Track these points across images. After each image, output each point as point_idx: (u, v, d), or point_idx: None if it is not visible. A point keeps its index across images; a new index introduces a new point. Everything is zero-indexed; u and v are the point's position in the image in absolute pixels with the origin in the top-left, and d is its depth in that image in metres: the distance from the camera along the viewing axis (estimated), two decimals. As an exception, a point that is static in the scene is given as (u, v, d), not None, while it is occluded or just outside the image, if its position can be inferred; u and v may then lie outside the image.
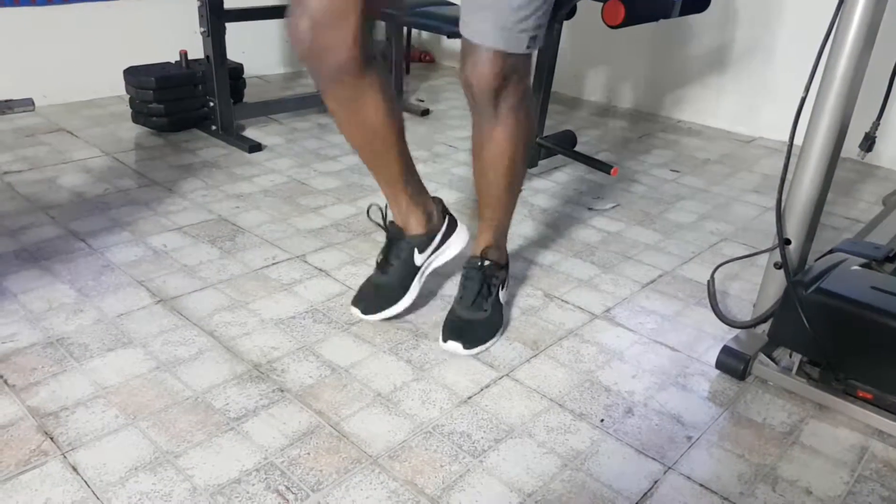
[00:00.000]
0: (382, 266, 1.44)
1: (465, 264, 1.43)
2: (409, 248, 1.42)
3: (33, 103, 2.69)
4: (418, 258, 1.44)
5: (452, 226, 1.49)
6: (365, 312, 1.40)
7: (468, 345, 1.35)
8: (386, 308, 1.41)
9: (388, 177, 1.39)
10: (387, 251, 1.44)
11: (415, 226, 1.42)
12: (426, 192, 1.44)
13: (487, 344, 1.37)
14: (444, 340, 1.36)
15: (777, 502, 1.06)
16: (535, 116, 1.34)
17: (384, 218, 1.44)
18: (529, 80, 1.26)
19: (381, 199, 1.96)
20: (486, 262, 1.40)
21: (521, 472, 1.09)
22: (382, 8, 1.26)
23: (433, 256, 1.47)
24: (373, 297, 1.42)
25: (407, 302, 1.43)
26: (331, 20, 1.14)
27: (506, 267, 1.47)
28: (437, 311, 1.48)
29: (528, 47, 1.18)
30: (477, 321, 1.38)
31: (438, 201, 1.48)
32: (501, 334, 1.42)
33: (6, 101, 2.63)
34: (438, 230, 1.46)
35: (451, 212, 1.51)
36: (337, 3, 1.13)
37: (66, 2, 2.69)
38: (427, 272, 1.47)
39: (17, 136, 2.41)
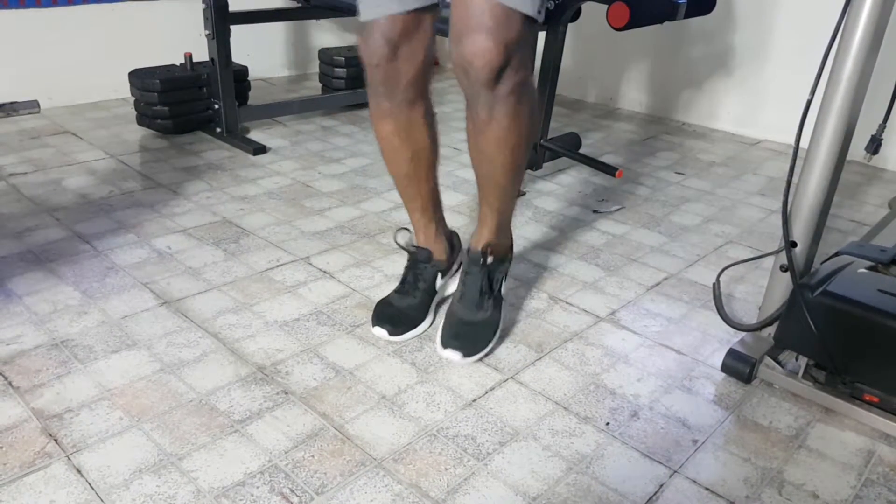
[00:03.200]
0: (408, 289, 1.45)
1: (467, 259, 1.40)
2: (433, 272, 1.46)
3: (38, 105, 2.70)
4: (439, 283, 1.48)
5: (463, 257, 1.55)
6: (392, 334, 1.40)
7: (467, 353, 1.33)
8: (411, 329, 1.42)
9: (423, 204, 1.42)
10: (413, 275, 1.45)
11: (440, 253, 1.47)
12: (446, 223, 1.51)
13: (487, 349, 1.36)
14: (444, 346, 1.35)
15: (783, 506, 1.06)
16: (537, 107, 1.29)
17: (410, 242, 1.47)
18: (531, 69, 1.17)
19: (381, 206, 1.96)
20: (489, 260, 1.37)
21: (526, 475, 1.09)
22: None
23: (447, 283, 1.52)
24: (398, 318, 1.42)
25: (428, 323, 1.45)
26: (408, 39, 1.18)
27: (508, 257, 1.45)
28: (442, 315, 1.48)
29: (538, 11, 1.09)
30: (476, 323, 1.37)
31: (456, 234, 1.55)
32: (500, 333, 1.41)
33: (11, 103, 2.64)
34: (457, 259, 1.52)
35: (454, 218, 1.53)
36: (411, 19, 1.17)
37: (70, 4, 2.70)
38: (439, 297, 1.51)
39: (22, 138, 2.41)
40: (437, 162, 1.40)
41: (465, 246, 1.50)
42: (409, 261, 1.46)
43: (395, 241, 1.48)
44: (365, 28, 1.21)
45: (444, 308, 1.49)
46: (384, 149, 1.36)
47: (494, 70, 1.09)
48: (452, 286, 1.52)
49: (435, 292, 1.48)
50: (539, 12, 1.10)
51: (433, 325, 1.45)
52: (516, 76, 1.13)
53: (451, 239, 1.53)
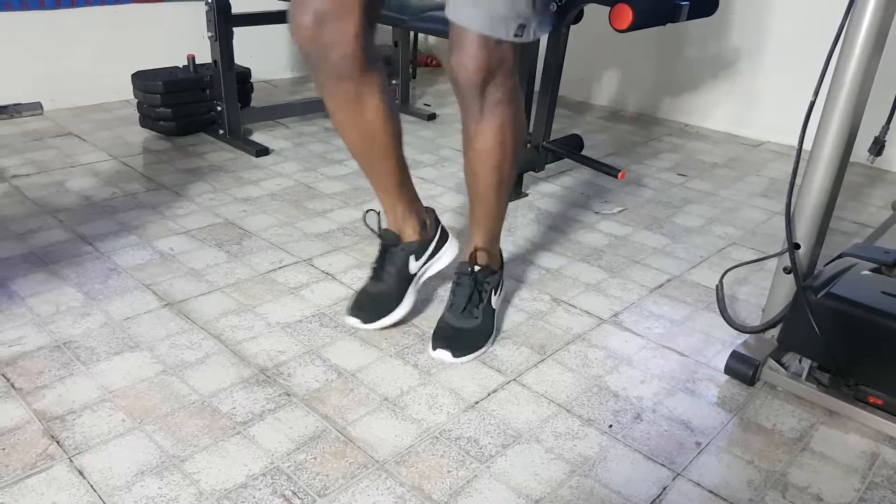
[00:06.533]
0: (378, 274, 1.43)
1: (456, 269, 1.41)
2: (404, 255, 1.42)
3: (41, 107, 2.71)
4: (413, 266, 1.44)
5: (444, 236, 1.50)
6: (364, 322, 1.39)
7: (457, 353, 1.34)
8: (383, 317, 1.40)
9: (386, 183, 1.38)
10: (382, 259, 1.43)
11: (410, 233, 1.43)
12: (419, 201, 1.45)
13: (478, 352, 1.36)
14: (434, 348, 1.35)
15: (787, 509, 1.06)
16: (524, 115, 1.31)
17: (379, 225, 1.43)
18: (517, 78, 1.22)
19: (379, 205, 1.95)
20: (477, 268, 1.38)
21: (529, 477, 1.09)
22: (383, 8, 1.25)
23: (427, 265, 1.47)
24: (370, 306, 1.41)
25: (403, 310, 1.42)
26: (334, 14, 1.15)
27: (499, 271, 1.46)
28: (424, 300, 1.47)
29: (515, 35, 1.14)
30: (467, 329, 1.37)
31: (431, 211, 1.49)
32: (493, 342, 1.41)
33: (14, 104, 2.65)
34: (432, 238, 1.46)
35: (446, 219, 1.51)
36: None
37: (74, 6, 2.70)
38: (422, 280, 1.47)
39: (26, 140, 2.42)
40: (397, 140, 1.33)
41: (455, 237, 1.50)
42: (380, 245, 1.44)
43: (364, 223, 1.46)
44: (294, 2, 1.16)
45: (441, 306, 1.49)
46: (335, 126, 1.31)
47: (478, 85, 1.17)
48: (432, 269, 1.48)
49: (409, 275, 1.43)
50: (517, 35, 1.14)
51: (427, 323, 1.44)
52: (500, 90, 1.20)
53: (424, 217, 1.45)
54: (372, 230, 1.44)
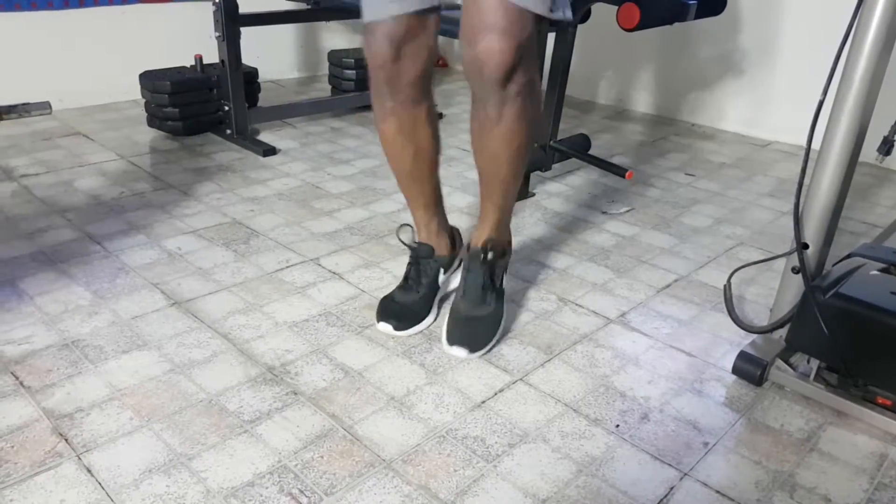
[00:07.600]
0: (412, 284, 1.46)
1: (468, 255, 1.42)
2: (436, 267, 1.47)
3: (50, 107, 2.72)
4: (441, 278, 1.49)
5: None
6: (397, 329, 1.42)
7: (473, 348, 1.35)
8: (417, 324, 1.43)
9: (425, 201, 1.44)
10: (416, 270, 1.47)
11: (442, 248, 1.48)
12: (447, 219, 1.52)
13: (491, 343, 1.38)
14: (450, 344, 1.36)
15: (795, 510, 1.05)
16: (541, 106, 1.32)
17: (413, 239, 1.48)
18: (538, 72, 1.22)
19: (390, 207, 1.96)
20: (490, 255, 1.38)
21: (536, 477, 1.09)
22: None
23: (450, 278, 1.53)
24: (403, 314, 1.43)
25: (432, 318, 1.46)
26: (409, 40, 1.21)
27: (508, 251, 1.47)
28: (446, 311, 1.47)
29: (551, 9, 1.12)
30: (481, 318, 1.38)
31: (456, 229, 1.56)
32: (504, 326, 1.43)
33: (23, 104, 2.66)
34: (458, 255, 1.53)
35: (453, 219, 1.55)
36: (414, 20, 1.20)
37: (82, 6, 2.72)
38: (442, 293, 1.51)
39: (34, 140, 2.43)
40: (438, 159, 1.42)
41: (465, 241, 1.51)
42: (411, 257, 1.48)
43: (399, 238, 1.50)
44: (368, 29, 1.23)
45: (447, 305, 1.49)
46: (387, 148, 1.38)
47: (507, 70, 1.13)
48: (455, 282, 1.53)
49: (438, 287, 1.49)
50: (552, 10, 1.13)
51: (437, 322, 1.45)
52: (526, 75, 1.17)
53: (453, 234, 1.54)
54: (406, 244, 1.48)
